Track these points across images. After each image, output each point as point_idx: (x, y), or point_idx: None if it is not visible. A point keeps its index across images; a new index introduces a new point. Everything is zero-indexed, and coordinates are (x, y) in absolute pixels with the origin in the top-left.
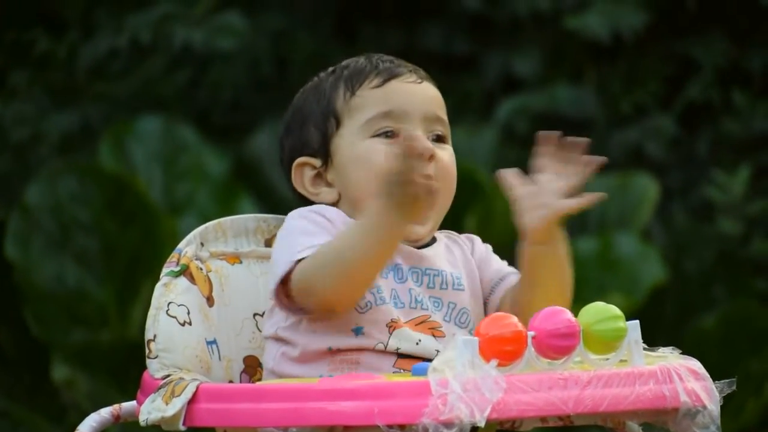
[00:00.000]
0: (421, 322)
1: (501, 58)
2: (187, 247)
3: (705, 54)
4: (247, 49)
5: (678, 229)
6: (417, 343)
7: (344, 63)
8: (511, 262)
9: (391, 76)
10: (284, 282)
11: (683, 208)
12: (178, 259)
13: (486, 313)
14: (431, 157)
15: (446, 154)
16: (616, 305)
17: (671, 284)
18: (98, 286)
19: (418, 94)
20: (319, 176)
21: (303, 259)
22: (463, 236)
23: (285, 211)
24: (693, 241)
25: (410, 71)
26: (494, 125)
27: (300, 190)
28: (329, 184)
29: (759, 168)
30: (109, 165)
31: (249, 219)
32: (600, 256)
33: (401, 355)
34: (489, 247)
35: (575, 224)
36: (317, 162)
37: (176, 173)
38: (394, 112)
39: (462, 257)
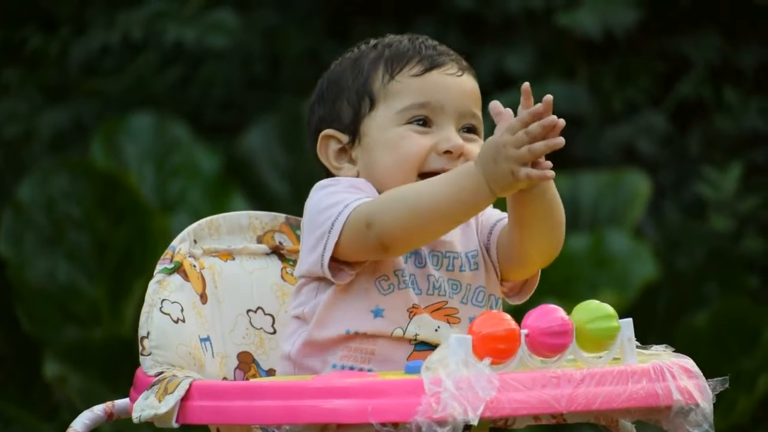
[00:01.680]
0: (437, 309)
1: (493, 56)
2: (180, 244)
3: (697, 51)
4: (240, 46)
5: (670, 226)
6: (436, 330)
7: (387, 40)
8: None
9: (433, 66)
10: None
11: (675, 205)
12: (172, 257)
13: (490, 259)
14: (461, 154)
15: (476, 146)
16: (607, 302)
17: (663, 281)
18: (90, 283)
19: (455, 89)
20: (343, 151)
21: (359, 206)
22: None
23: (277, 208)
24: (685, 238)
25: (452, 61)
26: (487, 122)
27: (323, 160)
28: (352, 161)
29: (751, 165)
30: (101, 162)
31: (242, 216)
32: (592, 254)
33: (418, 344)
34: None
35: (567, 221)
36: (345, 138)
37: (168, 170)
38: (430, 104)
39: (475, 225)
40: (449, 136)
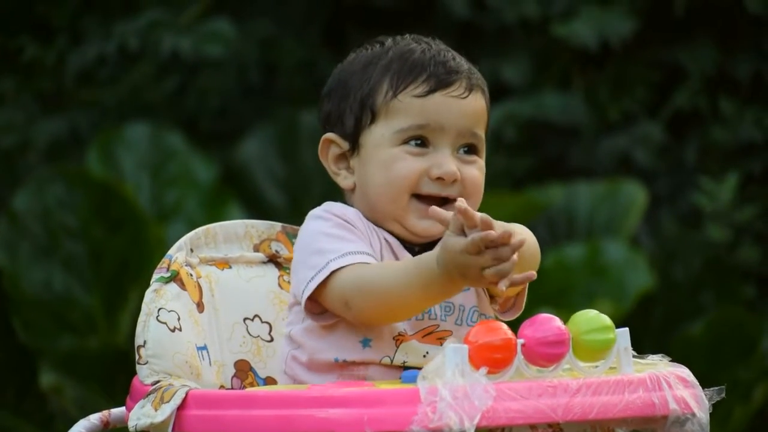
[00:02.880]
0: (429, 333)
1: (489, 65)
2: (177, 253)
3: (692, 61)
4: (235, 56)
5: (666, 236)
6: (424, 356)
7: (401, 47)
8: None
9: (438, 87)
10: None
11: (671, 215)
12: (169, 265)
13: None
14: (454, 180)
15: (473, 169)
16: (603, 312)
17: (659, 291)
18: (86, 292)
19: (457, 111)
20: (343, 157)
21: (339, 268)
22: None
23: (273, 217)
24: (681, 248)
25: (461, 79)
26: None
27: (323, 161)
28: (350, 169)
29: (746, 175)
30: (97, 171)
31: (238, 225)
32: (588, 263)
33: (408, 368)
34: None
35: (564, 231)
36: (345, 145)
37: (164, 180)
38: (429, 127)
39: None
40: (442, 161)
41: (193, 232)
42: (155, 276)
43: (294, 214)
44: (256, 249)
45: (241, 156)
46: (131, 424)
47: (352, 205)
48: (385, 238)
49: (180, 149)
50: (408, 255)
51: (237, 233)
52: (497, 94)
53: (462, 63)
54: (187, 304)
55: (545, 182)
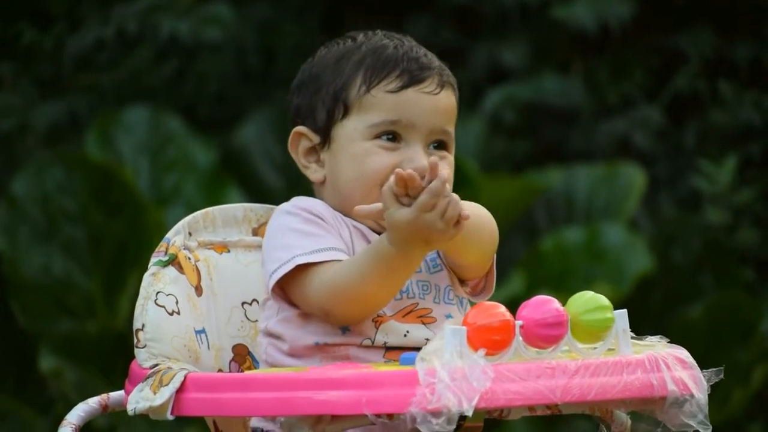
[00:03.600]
0: (409, 312)
1: (488, 49)
2: (175, 236)
3: (691, 45)
4: (234, 40)
5: (665, 219)
6: (405, 335)
7: (374, 42)
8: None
9: (411, 83)
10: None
11: (670, 198)
12: (167, 249)
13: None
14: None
15: (444, 164)
16: (603, 295)
17: (658, 274)
18: (85, 276)
19: (429, 107)
20: (313, 150)
21: (309, 266)
22: None
23: (272, 201)
24: (680, 231)
25: (433, 76)
26: (481, 116)
27: (293, 155)
28: (321, 163)
29: (746, 158)
30: (96, 156)
31: (237, 208)
32: (587, 246)
33: (389, 348)
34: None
35: (563, 214)
36: (316, 138)
37: (163, 164)
38: (401, 122)
39: None
40: (414, 156)
41: (191, 216)
42: (153, 260)
43: (292, 198)
44: (255, 233)
45: (240, 140)
46: (130, 407)
47: (321, 199)
48: (354, 226)
49: (179, 133)
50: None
51: (236, 217)
52: (496, 77)
53: (433, 60)
54: (186, 288)
55: (544, 166)
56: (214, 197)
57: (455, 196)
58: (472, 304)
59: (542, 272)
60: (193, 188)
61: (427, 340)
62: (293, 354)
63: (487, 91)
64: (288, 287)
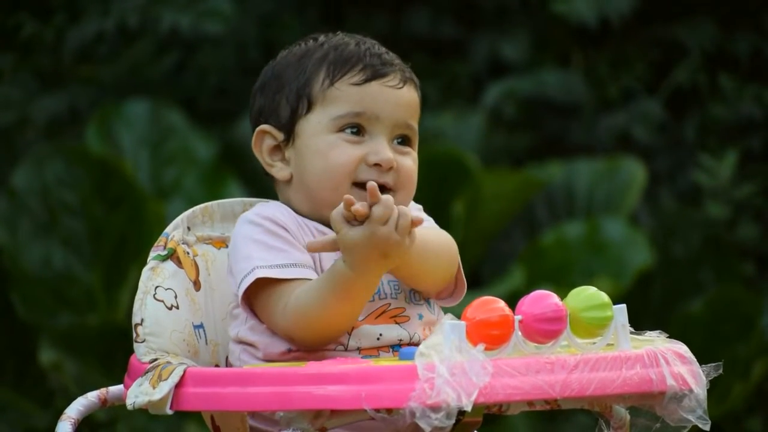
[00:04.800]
0: (382, 313)
1: (488, 43)
2: (174, 231)
3: (692, 38)
4: (235, 33)
5: (665, 213)
6: (378, 338)
7: (335, 41)
8: (497, 248)
9: (374, 76)
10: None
11: (670, 192)
12: (165, 243)
13: None
14: (390, 168)
15: (408, 159)
16: (603, 289)
17: (658, 268)
18: (85, 269)
19: (393, 100)
20: (278, 148)
21: (266, 279)
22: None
23: (272, 196)
24: (680, 225)
25: (396, 71)
26: (482, 110)
27: (257, 155)
28: (286, 161)
29: (746, 152)
30: (96, 149)
31: (236, 203)
32: (587, 240)
33: (364, 351)
34: (419, 208)
35: (563, 208)
36: (280, 135)
37: (163, 157)
38: (366, 114)
39: None
40: (379, 148)
41: (190, 210)
42: (152, 254)
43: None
44: None
45: (240, 134)
46: (129, 401)
47: (287, 200)
48: (318, 230)
49: (179, 127)
50: None
51: (234, 212)
52: (496, 71)
53: (394, 57)
54: (184, 283)
55: (544, 160)
56: (214, 190)
57: (403, 207)
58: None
59: (542, 266)
60: (194, 181)
61: (401, 339)
62: (267, 360)
63: (487, 85)
64: (252, 301)
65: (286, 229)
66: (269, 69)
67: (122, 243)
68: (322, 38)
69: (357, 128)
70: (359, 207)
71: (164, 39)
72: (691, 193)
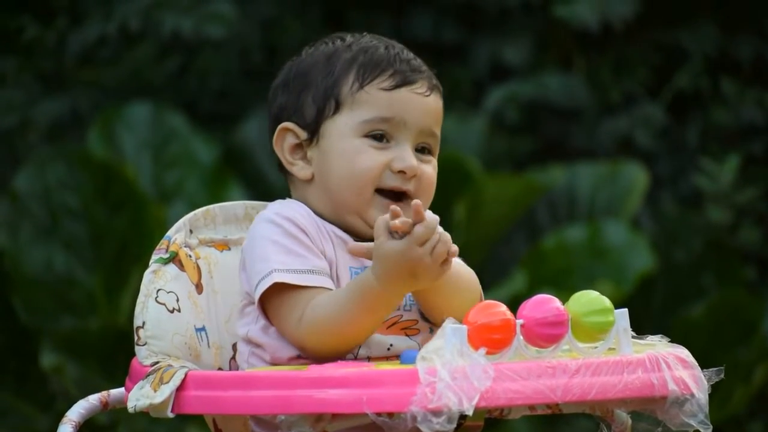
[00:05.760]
0: (393, 324)
1: (490, 46)
2: (176, 234)
3: (694, 42)
4: (237, 36)
5: (667, 217)
6: (388, 349)
7: (363, 43)
8: (498, 252)
9: (404, 82)
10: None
11: (672, 196)
12: (167, 246)
13: None
14: (414, 176)
15: (429, 167)
16: (604, 293)
17: (660, 273)
18: (87, 273)
19: (421, 108)
20: (299, 147)
21: (282, 283)
22: None
23: (274, 198)
24: (682, 229)
25: (424, 78)
26: (483, 113)
27: (278, 152)
28: (307, 160)
29: (748, 156)
30: (98, 152)
31: (238, 206)
32: (589, 245)
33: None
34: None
35: (564, 213)
36: (303, 134)
37: (165, 161)
38: (394, 120)
39: None
40: (404, 155)
41: (192, 213)
42: (154, 257)
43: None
44: None
45: (242, 137)
46: (130, 405)
47: (303, 198)
48: (337, 235)
49: (181, 130)
50: None
51: (236, 214)
52: (498, 75)
53: (422, 64)
54: (186, 286)
55: (546, 164)
56: (216, 194)
57: (447, 235)
58: None
59: (544, 271)
60: (195, 185)
61: None
62: (275, 364)
63: (488, 89)
64: (266, 303)
65: (305, 233)
66: (293, 66)
67: (124, 246)
68: (349, 38)
69: (383, 133)
70: (401, 223)
71: (166, 42)
72: (693, 197)
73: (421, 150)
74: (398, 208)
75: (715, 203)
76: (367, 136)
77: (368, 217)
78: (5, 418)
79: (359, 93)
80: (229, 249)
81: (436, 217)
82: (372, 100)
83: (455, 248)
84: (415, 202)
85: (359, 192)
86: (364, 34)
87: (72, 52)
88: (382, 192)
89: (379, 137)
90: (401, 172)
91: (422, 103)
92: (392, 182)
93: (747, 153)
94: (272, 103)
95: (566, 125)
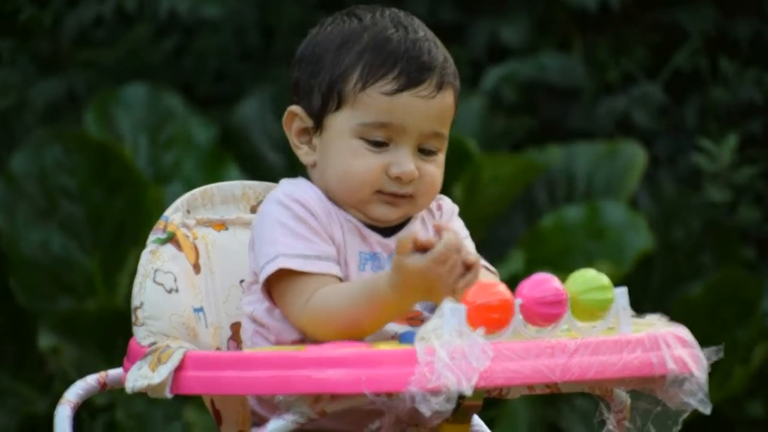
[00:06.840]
0: (412, 318)
1: (488, 27)
2: (173, 214)
3: (692, 22)
4: (234, 17)
5: (665, 197)
6: (392, 337)
7: (377, 30)
8: (496, 233)
9: (407, 86)
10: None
11: (671, 176)
12: (165, 227)
13: None
14: (411, 180)
15: (431, 166)
16: (603, 273)
17: (658, 253)
18: (84, 254)
19: (422, 112)
20: (306, 131)
21: (294, 274)
22: (434, 204)
23: (271, 179)
24: (680, 209)
25: (431, 77)
26: (481, 94)
27: (286, 131)
28: (312, 146)
29: (746, 136)
30: (94, 133)
31: (235, 186)
32: (587, 225)
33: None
34: (455, 210)
35: (563, 192)
36: (309, 122)
37: (162, 141)
38: (392, 126)
39: None
40: (401, 160)
41: (189, 193)
42: (151, 237)
43: (292, 176)
44: (254, 210)
45: (239, 118)
46: (128, 385)
47: (314, 181)
48: (348, 220)
49: (178, 111)
50: (374, 234)
51: (234, 194)
52: (496, 55)
53: (437, 56)
54: (184, 266)
55: (544, 144)
56: (213, 175)
57: (471, 258)
58: None
59: (542, 251)
60: (192, 166)
61: None
62: (279, 345)
63: (486, 69)
64: (272, 287)
65: (314, 216)
66: (311, 42)
67: (121, 227)
68: (368, 19)
69: (381, 137)
70: (422, 240)
71: (163, 23)
72: (692, 176)
73: (425, 150)
74: (440, 223)
75: (714, 183)
76: (364, 137)
77: (368, 212)
78: (3, 400)
79: (361, 94)
80: (227, 229)
81: (459, 237)
82: (372, 104)
83: (476, 273)
84: (436, 223)
85: (356, 192)
86: (385, 13)
87: (68, 33)
88: (382, 193)
89: (378, 139)
90: (398, 177)
91: (425, 107)
92: (390, 187)
93: (745, 132)
94: (291, 73)
95: (564, 105)
